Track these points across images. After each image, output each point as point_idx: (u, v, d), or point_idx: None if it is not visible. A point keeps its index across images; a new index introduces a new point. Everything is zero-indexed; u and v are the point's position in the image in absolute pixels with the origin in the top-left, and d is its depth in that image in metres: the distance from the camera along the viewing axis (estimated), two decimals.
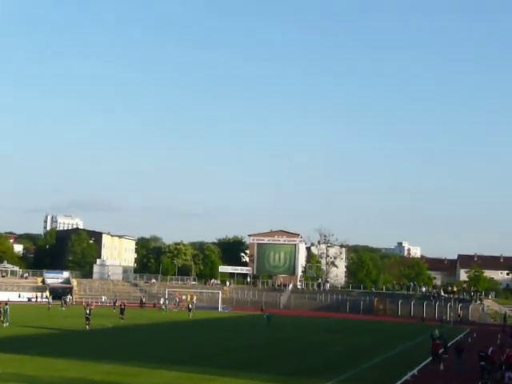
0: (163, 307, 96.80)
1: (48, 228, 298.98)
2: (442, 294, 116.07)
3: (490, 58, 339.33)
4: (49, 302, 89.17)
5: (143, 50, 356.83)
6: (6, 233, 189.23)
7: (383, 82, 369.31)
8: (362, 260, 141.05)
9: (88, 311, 62.04)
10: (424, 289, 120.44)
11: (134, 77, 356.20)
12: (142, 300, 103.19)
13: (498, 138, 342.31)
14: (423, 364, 40.01)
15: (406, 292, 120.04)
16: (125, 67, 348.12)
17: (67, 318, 72.09)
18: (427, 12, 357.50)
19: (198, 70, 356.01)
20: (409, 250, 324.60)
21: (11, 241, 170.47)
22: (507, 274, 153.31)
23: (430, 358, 40.57)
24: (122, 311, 70.64)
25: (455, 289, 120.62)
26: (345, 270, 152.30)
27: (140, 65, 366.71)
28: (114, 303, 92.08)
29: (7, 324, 59.35)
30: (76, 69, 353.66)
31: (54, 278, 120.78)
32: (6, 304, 63.16)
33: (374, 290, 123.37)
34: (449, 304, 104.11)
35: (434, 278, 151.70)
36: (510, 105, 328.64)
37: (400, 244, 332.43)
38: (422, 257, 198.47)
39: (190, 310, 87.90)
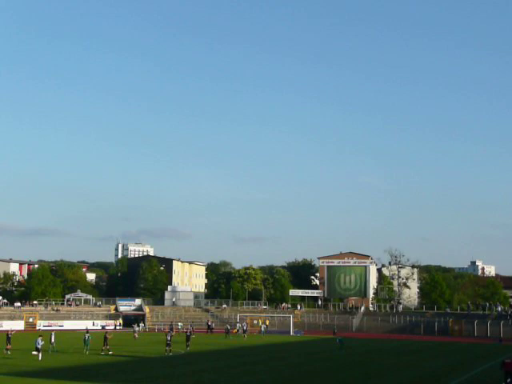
0: (238, 332, 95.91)
1: (119, 256, 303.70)
2: None
3: None
4: (134, 331, 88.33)
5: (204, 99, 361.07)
6: (78, 262, 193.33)
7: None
8: (434, 280, 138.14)
9: (169, 337, 62.64)
10: (500, 308, 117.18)
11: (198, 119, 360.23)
12: (208, 325, 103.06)
13: None
14: None
15: (481, 312, 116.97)
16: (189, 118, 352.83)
17: (147, 345, 72.47)
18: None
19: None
20: (483, 268, 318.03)
21: (84, 270, 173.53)
22: None
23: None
24: (187, 338, 68.47)
25: None
26: (417, 290, 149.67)
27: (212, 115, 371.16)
28: (193, 329, 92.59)
29: (88, 352, 59.89)
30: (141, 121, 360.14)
31: (127, 306, 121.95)
32: (87, 332, 64.17)
33: (448, 310, 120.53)
34: None
35: (510, 296, 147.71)
36: None
37: (473, 263, 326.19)
38: (497, 275, 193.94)
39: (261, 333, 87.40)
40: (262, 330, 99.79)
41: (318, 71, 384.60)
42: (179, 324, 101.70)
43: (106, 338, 63.24)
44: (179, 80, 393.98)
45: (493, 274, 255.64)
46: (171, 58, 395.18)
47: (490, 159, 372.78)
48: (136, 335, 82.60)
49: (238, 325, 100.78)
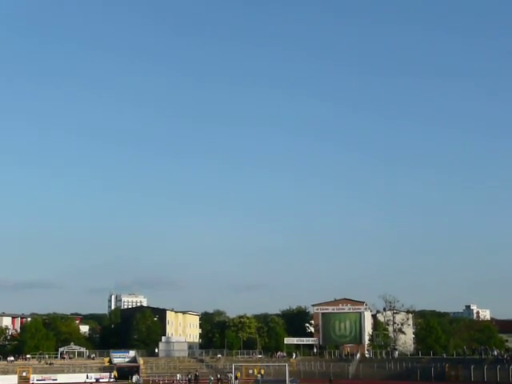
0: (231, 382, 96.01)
1: (112, 307, 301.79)
2: None
3: None
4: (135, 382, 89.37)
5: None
6: (71, 314, 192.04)
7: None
8: (430, 325, 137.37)
9: None
10: (496, 352, 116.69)
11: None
12: (195, 376, 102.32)
13: None
14: None
15: (477, 356, 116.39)
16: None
17: None
18: None
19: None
20: (478, 312, 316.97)
21: (77, 322, 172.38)
22: None
23: None
24: None
25: None
26: (413, 336, 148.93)
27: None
28: (189, 380, 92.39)
29: None
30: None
31: (121, 358, 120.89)
32: None
33: (444, 355, 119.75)
34: None
35: (506, 340, 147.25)
36: None
37: (468, 307, 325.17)
38: (492, 319, 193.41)
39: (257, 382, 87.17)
40: (259, 378, 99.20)
41: (314, 107, 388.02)
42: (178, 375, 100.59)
43: None
44: (174, 120, 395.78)
45: (488, 317, 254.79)
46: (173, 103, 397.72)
47: (483, 203, 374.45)
48: None
49: (229, 375, 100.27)
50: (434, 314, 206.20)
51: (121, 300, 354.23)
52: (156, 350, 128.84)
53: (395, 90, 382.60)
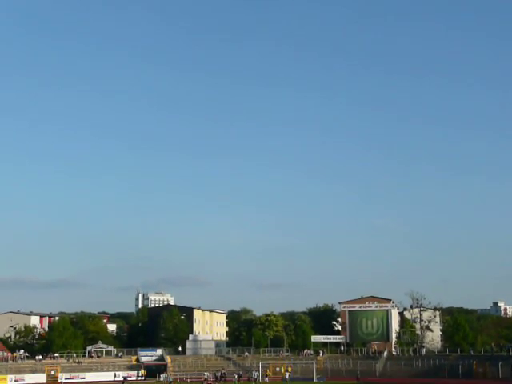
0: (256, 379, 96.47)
1: (140, 306, 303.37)
2: None
3: None
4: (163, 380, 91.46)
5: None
6: (99, 313, 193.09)
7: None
8: (457, 323, 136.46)
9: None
10: None
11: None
12: (222, 374, 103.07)
13: None
14: None
15: (505, 353, 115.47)
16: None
17: None
18: None
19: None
20: (505, 309, 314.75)
21: (105, 321, 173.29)
22: None
23: None
24: None
25: None
26: (440, 333, 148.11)
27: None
28: (217, 377, 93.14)
29: None
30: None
31: (148, 356, 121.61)
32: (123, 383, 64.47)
33: (472, 352, 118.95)
34: None
35: None
36: None
37: (496, 304, 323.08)
38: None
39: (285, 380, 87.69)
40: (287, 377, 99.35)
41: (329, 104, 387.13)
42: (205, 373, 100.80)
43: None
44: (192, 122, 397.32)
45: None
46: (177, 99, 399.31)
47: (509, 197, 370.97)
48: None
49: (255, 373, 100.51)
50: (461, 311, 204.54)
51: (148, 299, 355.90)
52: (180, 348, 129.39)
53: (412, 88, 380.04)
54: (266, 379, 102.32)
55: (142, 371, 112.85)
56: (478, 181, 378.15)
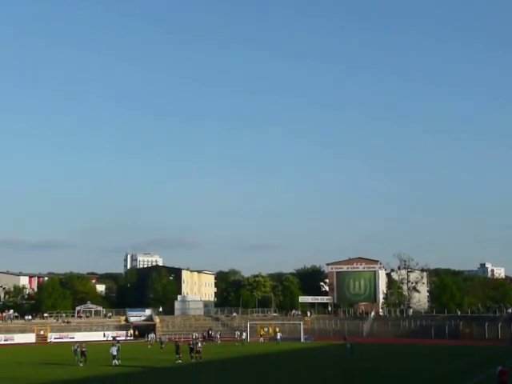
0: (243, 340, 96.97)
1: (128, 266, 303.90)
2: None
3: None
4: (149, 341, 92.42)
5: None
6: (88, 273, 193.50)
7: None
8: (444, 284, 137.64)
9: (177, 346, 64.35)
10: (510, 310, 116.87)
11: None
12: (209, 334, 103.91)
13: None
14: None
15: (492, 314, 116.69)
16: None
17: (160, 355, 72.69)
18: None
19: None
20: (492, 270, 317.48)
21: (93, 281, 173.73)
22: None
23: None
24: (177, 349, 64.32)
25: None
26: (427, 294, 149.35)
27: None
28: (204, 337, 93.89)
29: (118, 361, 60.30)
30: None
31: (137, 316, 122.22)
32: (118, 342, 64.89)
33: (458, 313, 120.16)
34: None
35: None
36: None
37: (483, 265, 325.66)
38: (507, 277, 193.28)
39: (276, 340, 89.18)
40: (278, 337, 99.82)
41: (318, 72, 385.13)
42: (194, 334, 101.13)
43: (178, 346, 64.43)
44: (184, 82, 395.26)
45: (502, 275, 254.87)
46: (171, 62, 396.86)
47: (498, 159, 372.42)
48: (163, 346, 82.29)
49: (239, 333, 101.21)
50: (448, 272, 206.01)
51: (136, 259, 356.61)
52: (172, 309, 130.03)
53: (410, 49, 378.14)
54: (261, 339, 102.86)
55: (131, 331, 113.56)
56: (466, 143, 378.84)
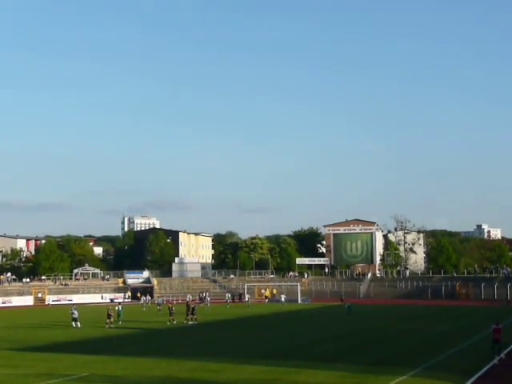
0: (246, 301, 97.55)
1: (126, 229, 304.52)
2: None
3: None
4: (143, 303, 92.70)
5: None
6: (85, 236, 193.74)
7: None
8: (441, 245, 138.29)
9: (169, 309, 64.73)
10: (506, 271, 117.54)
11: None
12: (203, 296, 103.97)
13: None
14: (511, 348, 38.92)
15: (488, 275, 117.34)
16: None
17: (156, 316, 73.01)
18: None
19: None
20: (489, 232, 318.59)
21: (91, 244, 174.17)
22: None
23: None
24: (170, 312, 64.61)
25: None
26: (424, 255, 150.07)
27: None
28: (201, 299, 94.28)
29: (120, 323, 61.48)
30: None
31: (135, 278, 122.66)
32: (120, 304, 65.38)
33: (455, 274, 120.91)
34: None
35: None
36: None
37: (479, 226, 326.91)
38: (503, 238, 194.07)
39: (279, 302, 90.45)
40: (282, 299, 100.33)
41: (318, 36, 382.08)
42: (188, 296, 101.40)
43: (188, 306, 65.25)
44: (182, 49, 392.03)
45: (499, 236, 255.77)
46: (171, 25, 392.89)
47: (495, 121, 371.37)
48: (159, 308, 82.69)
49: (227, 295, 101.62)
50: (445, 233, 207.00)
51: (134, 222, 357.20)
52: (170, 272, 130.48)
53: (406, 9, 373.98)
54: (266, 301, 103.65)
55: (129, 293, 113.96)
56: (462, 105, 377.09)
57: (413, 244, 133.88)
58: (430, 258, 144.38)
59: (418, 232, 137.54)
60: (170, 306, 66.05)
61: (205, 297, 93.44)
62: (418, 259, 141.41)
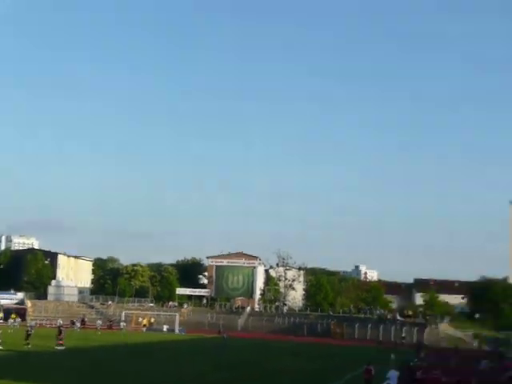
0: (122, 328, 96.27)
1: (2, 248, 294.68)
2: (398, 317, 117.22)
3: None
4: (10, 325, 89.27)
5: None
6: None
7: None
8: (319, 283, 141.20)
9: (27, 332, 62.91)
10: (380, 312, 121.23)
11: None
12: (82, 320, 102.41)
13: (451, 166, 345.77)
14: None
15: (362, 315, 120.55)
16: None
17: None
18: None
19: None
20: (365, 273, 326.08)
21: None
22: (462, 299, 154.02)
23: None
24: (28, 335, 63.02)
25: (411, 312, 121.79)
26: (303, 292, 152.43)
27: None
28: (73, 323, 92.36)
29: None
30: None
31: (8, 299, 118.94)
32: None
33: (331, 313, 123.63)
34: (404, 328, 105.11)
35: (391, 301, 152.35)
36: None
37: (357, 267, 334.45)
38: (379, 280, 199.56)
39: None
40: (165, 329, 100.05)
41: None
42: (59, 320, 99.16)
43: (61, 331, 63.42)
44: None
45: (375, 278, 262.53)
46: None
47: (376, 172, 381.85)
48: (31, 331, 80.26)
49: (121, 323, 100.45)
50: (324, 272, 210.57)
51: (11, 241, 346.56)
52: (46, 294, 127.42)
53: None
54: (144, 329, 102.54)
55: (1, 314, 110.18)
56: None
57: (293, 280, 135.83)
58: (308, 295, 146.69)
59: (299, 269, 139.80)
60: (29, 329, 64.24)
61: (76, 321, 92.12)
62: (297, 296, 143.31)
